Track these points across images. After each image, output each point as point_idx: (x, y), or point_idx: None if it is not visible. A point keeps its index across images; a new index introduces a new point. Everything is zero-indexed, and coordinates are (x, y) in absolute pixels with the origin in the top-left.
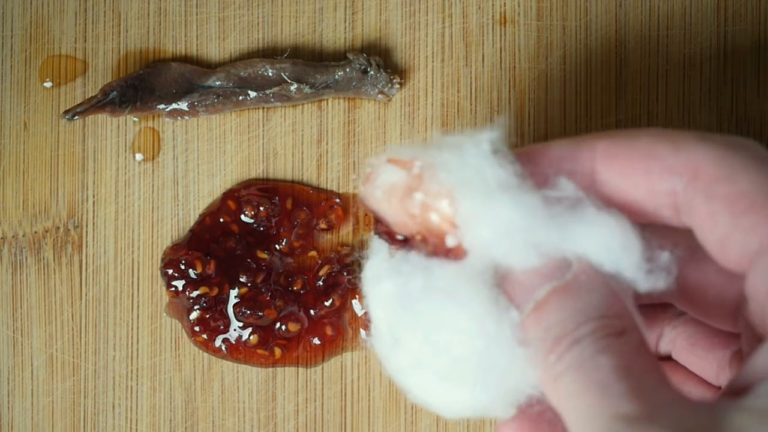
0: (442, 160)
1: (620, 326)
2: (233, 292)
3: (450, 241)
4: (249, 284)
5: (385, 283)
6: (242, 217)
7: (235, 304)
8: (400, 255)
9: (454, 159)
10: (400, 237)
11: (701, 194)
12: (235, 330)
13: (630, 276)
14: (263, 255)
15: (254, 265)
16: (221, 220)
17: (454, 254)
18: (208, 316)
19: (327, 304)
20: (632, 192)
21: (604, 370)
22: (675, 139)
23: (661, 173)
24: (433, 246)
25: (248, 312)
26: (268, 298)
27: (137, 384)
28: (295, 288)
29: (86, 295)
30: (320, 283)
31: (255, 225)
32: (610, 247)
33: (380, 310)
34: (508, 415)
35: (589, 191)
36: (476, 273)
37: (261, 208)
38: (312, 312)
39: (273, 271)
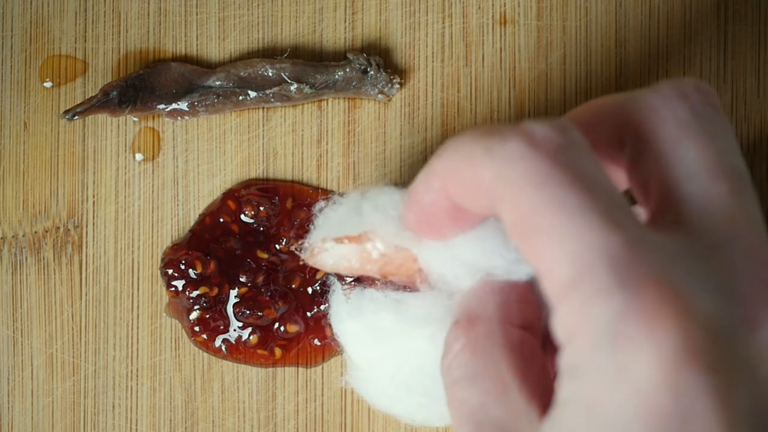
0: (388, 230)
1: None
2: (233, 292)
3: (416, 281)
4: (249, 284)
5: (351, 322)
6: (242, 217)
7: (234, 304)
8: (357, 293)
9: (390, 226)
10: (349, 279)
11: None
12: (234, 330)
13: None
14: (263, 255)
15: (254, 265)
16: (221, 220)
17: (410, 287)
18: (208, 316)
19: (322, 308)
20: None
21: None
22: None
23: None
24: (391, 284)
25: (248, 312)
26: (267, 298)
27: (137, 384)
28: (293, 286)
29: (86, 295)
30: (317, 287)
31: (255, 225)
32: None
33: (352, 345)
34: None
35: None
36: (434, 301)
37: (261, 208)
38: (308, 314)
39: (273, 271)
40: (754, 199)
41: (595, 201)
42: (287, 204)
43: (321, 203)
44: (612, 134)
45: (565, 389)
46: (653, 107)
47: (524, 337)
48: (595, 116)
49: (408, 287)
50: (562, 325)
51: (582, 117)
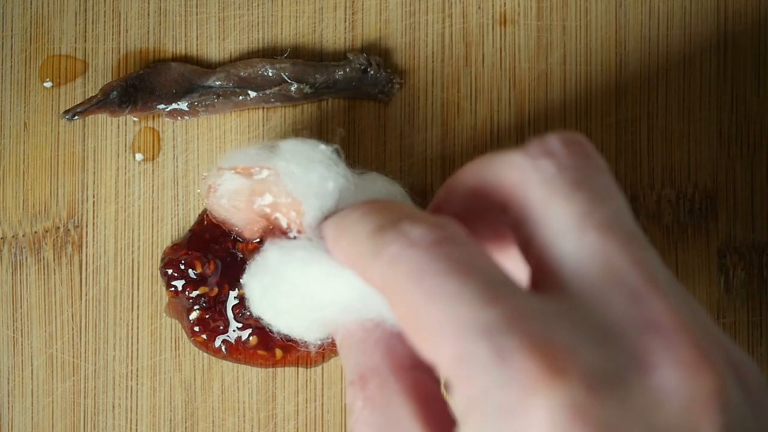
0: (285, 168)
1: None
2: (233, 293)
3: (297, 227)
4: None
5: (256, 265)
6: None
7: (234, 306)
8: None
9: (296, 168)
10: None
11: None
12: (234, 330)
13: None
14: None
15: None
16: None
17: (295, 233)
18: (207, 316)
19: None
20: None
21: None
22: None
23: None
24: (278, 232)
25: (248, 313)
26: None
27: (137, 384)
28: None
29: (86, 295)
30: None
31: None
32: None
33: (255, 281)
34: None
35: None
36: (312, 244)
37: None
38: None
39: None
40: (633, 240)
41: (471, 283)
42: None
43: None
44: (496, 201)
45: None
46: (522, 168)
47: (418, 378)
48: (477, 183)
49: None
50: (457, 403)
51: (464, 183)
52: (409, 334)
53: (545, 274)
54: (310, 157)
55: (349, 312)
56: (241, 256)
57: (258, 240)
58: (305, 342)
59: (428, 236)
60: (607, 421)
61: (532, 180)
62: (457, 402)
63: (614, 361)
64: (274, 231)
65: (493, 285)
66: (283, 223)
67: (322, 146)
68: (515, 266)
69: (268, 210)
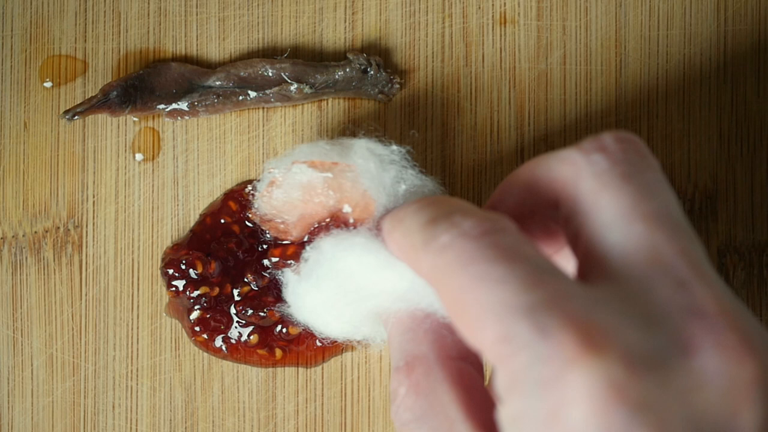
0: (364, 166)
1: None
2: (236, 291)
3: (362, 223)
4: (254, 284)
5: (307, 263)
6: (247, 223)
7: (236, 302)
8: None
9: (373, 167)
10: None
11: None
12: (235, 327)
13: None
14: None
15: (262, 270)
16: (222, 220)
17: (354, 225)
18: (208, 316)
19: None
20: None
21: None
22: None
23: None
24: (336, 226)
25: (250, 311)
26: (271, 298)
27: (137, 384)
28: None
29: (86, 295)
30: None
31: (258, 227)
32: None
33: (306, 278)
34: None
35: None
36: (372, 233)
37: None
38: None
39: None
40: (680, 232)
41: (516, 269)
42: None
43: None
44: (548, 196)
45: None
46: (575, 163)
47: (463, 369)
48: (529, 181)
49: (346, 226)
50: (499, 381)
51: (518, 182)
52: (454, 319)
53: (592, 264)
54: (386, 157)
55: (402, 301)
56: (275, 260)
57: (295, 243)
58: (350, 339)
59: (478, 227)
60: (645, 399)
61: (585, 173)
62: (499, 382)
63: (656, 343)
64: (326, 227)
65: (537, 271)
66: (350, 219)
67: (397, 147)
68: (565, 265)
69: (335, 204)
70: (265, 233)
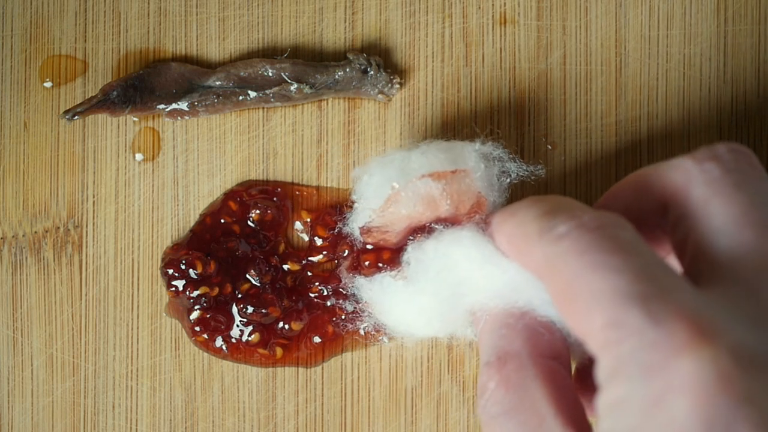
0: (476, 168)
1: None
2: (237, 289)
3: (474, 221)
4: (256, 281)
5: (408, 264)
6: (249, 223)
7: (238, 300)
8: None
9: (483, 167)
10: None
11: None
12: (237, 325)
13: None
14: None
15: (265, 267)
16: (222, 220)
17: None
18: (208, 316)
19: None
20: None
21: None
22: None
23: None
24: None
25: (252, 309)
26: (272, 296)
27: (137, 384)
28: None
29: (86, 295)
30: (322, 287)
31: (258, 228)
32: None
33: (410, 278)
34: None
35: None
36: (477, 230)
37: (269, 211)
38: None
39: (279, 270)
40: None
41: (632, 261)
42: (291, 208)
43: (356, 171)
44: (657, 202)
45: (603, 425)
46: (688, 170)
47: (555, 367)
48: (640, 186)
49: (451, 223)
50: (603, 368)
51: (628, 187)
52: (561, 307)
53: (700, 267)
54: (490, 154)
55: (500, 298)
56: (367, 264)
57: (390, 248)
58: (430, 337)
59: (597, 220)
60: (750, 393)
61: (697, 180)
62: (602, 369)
63: (764, 343)
64: (426, 228)
65: (652, 265)
66: (462, 219)
67: (492, 145)
68: None
69: (450, 209)
70: (275, 235)
